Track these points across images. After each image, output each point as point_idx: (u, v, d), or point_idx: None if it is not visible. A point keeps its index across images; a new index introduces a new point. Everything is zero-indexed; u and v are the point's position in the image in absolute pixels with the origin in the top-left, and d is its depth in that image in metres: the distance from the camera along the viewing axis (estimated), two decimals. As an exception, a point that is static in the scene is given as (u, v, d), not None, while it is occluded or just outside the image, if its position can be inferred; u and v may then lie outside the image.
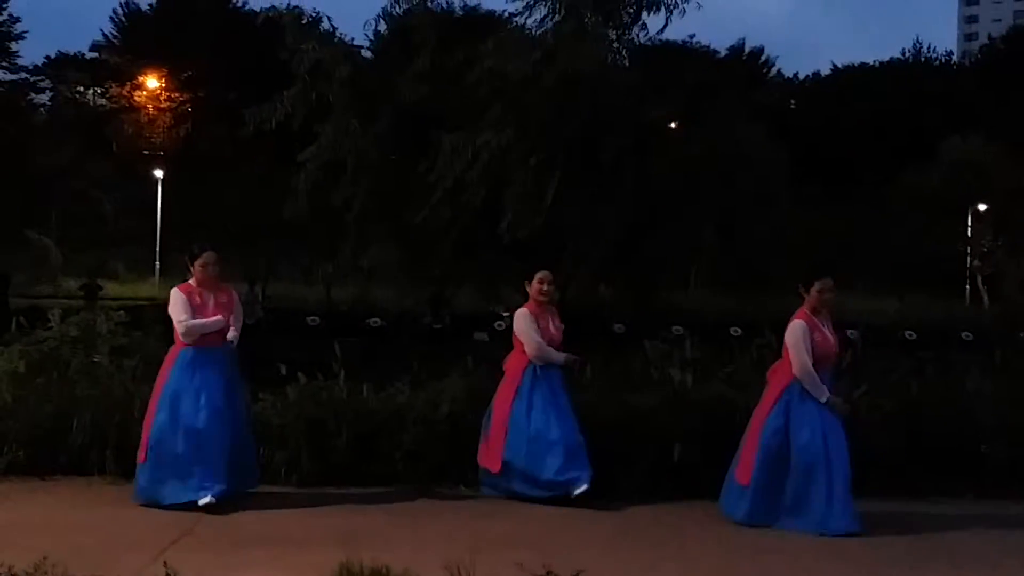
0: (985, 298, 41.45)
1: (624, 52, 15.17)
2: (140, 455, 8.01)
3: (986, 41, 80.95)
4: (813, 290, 8.02)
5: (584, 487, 8.11)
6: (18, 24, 65.80)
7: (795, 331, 7.86)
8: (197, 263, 8.35)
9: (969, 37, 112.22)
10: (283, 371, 9.47)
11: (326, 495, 8.40)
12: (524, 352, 8.54)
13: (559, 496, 8.18)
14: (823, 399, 7.72)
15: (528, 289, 8.75)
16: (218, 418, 7.98)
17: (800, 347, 7.78)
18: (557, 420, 8.36)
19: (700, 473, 8.43)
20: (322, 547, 6.64)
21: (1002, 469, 8.87)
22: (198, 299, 8.26)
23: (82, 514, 7.76)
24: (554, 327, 8.62)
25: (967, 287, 44.90)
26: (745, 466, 7.85)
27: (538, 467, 8.27)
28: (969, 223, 45.05)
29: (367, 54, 17.34)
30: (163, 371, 8.20)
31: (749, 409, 8.90)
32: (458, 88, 13.67)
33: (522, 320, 8.59)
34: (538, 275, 8.68)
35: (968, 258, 43.89)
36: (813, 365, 7.75)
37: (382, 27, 17.64)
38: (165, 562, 5.96)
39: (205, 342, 8.17)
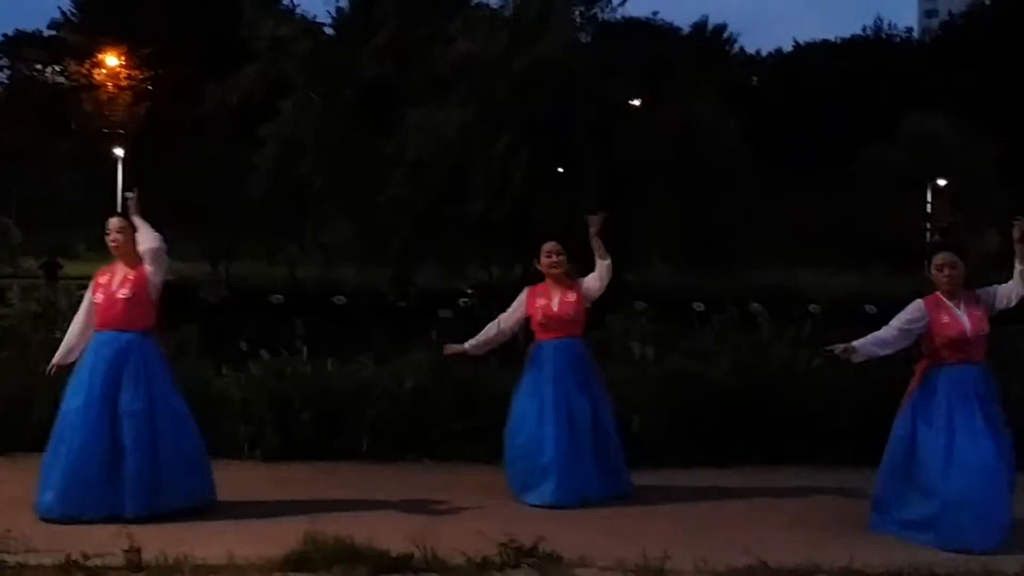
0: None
1: (588, 29, 15.26)
2: None
3: (946, 18, 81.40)
4: (932, 268, 7.08)
5: None
6: (-27, 2, 65.11)
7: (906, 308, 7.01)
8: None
9: (929, 14, 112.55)
10: (244, 347, 9.49)
11: (291, 469, 8.46)
12: None
13: None
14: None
15: (539, 267, 8.12)
16: None
17: (894, 321, 6.99)
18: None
19: (659, 443, 8.55)
20: (287, 519, 6.70)
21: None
22: (106, 276, 7.26)
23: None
24: (559, 303, 7.92)
25: (926, 263, 45.27)
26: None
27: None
28: (929, 199, 45.42)
29: (329, 31, 17.29)
30: None
31: (708, 380, 9.07)
32: (421, 65, 13.70)
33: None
34: (544, 248, 8.03)
35: (928, 234, 44.28)
36: (940, 350, 6.82)
37: (343, 2, 17.61)
38: (129, 533, 6.05)
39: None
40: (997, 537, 6.42)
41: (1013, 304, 6.95)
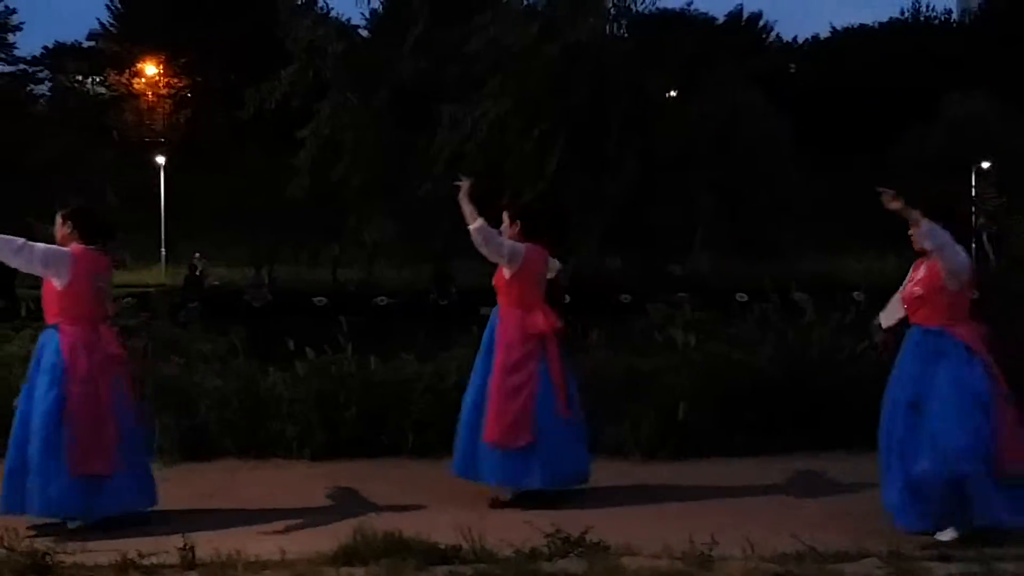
0: (991, 256, 41.42)
1: (623, 21, 15.23)
2: None
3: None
4: None
5: None
6: (14, 16, 65.89)
7: None
8: None
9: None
10: (291, 346, 9.59)
11: (338, 466, 8.51)
12: None
13: None
14: None
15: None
16: None
17: None
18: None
19: (703, 430, 8.56)
20: (336, 515, 6.78)
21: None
22: None
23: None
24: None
25: (973, 246, 44.84)
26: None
27: None
28: (973, 182, 44.97)
29: (363, 33, 17.39)
30: None
31: (751, 368, 9.05)
32: (455, 61, 13.75)
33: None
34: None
35: (973, 218, 43.82)
36: None
37: (376, 4, 17.72)
38: (183, 534, 6.14)
39: None
40: None
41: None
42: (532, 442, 7.24)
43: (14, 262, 6.91)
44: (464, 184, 7.56)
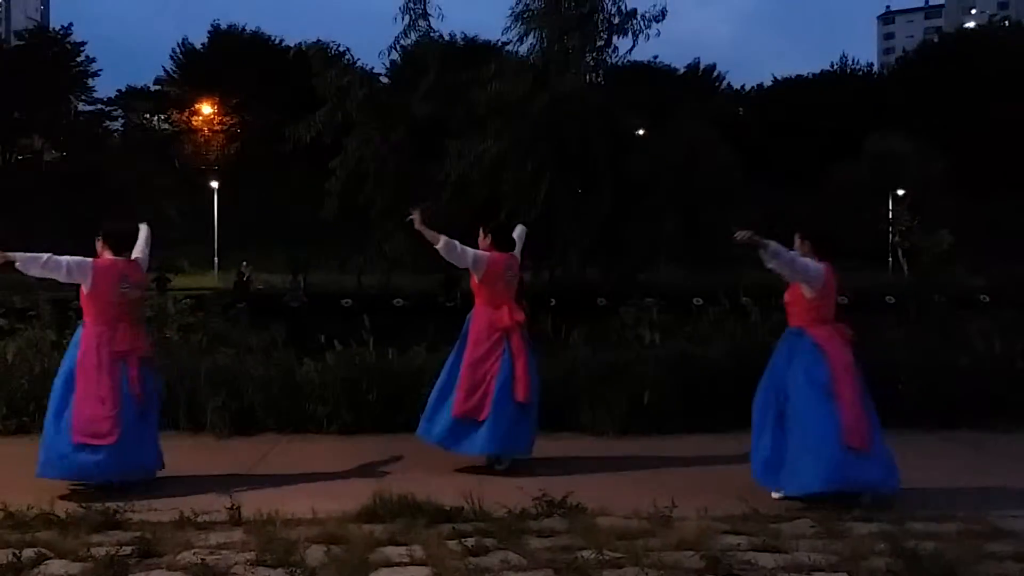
0: (905, 268, 41.53)
1: (600, 72, 15.25)
2: None
3: (901, 54, 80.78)
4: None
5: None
6: (93, 63, 65.92)
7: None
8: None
9: (887, 51, 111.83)
10: (323, 340, 9.58)
11: (361, 440, 8.52)
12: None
13: None
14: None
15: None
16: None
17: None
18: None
19: (666, 412, 8.56)
20: (359, 481, 6.78)
21: (916, 405, 8.94)
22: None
23: (165, 459, 7.90)
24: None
25: (889, 260, 44.97)
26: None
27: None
28: (890, 206, 45.12)
29: (384, 80, 17.43)
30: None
31: (706, 360, 9.04)
32: (462, 104, 13.78)
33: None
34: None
35: (890, 235, 43.94)
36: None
37: (395, 56, 17.76)
38: (231, 494, 6.14)
39: None
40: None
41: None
42: (487, 418, 7.22)
43: (41, 274, 6.91)
44: (416, 216, 7.61)
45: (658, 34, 14.86)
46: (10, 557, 5.03)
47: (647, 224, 14.99)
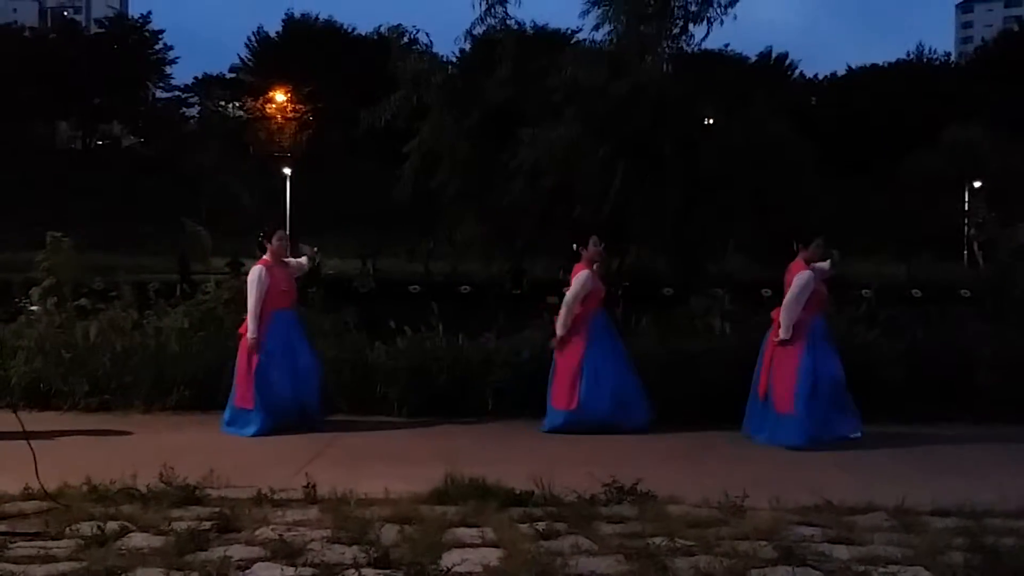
0: (980, 261, 40.54)
1: (671, 61, 15.05)
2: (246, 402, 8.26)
3: (980, 43, 78.72)
4: (812, 247, 8.22)
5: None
6: (171, 51, 67.18)
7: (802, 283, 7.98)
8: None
9: (965, 40, 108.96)
10: (392, 325, 9.67)
11: (431, 423, 8.60)
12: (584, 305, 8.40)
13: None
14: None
15: (585, 252, 8.54)
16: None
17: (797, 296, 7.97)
18: (618, 366, 8.40)
19: (735, 404, 8.48)
20: (430, 463, 6.80)
21: (995, 397, 8.77)
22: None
23: (237, 439, 8.06)
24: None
25: (965, 253, 43.96)
26: (785, 396, 7.86)
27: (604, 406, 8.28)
28: (966, 199, 44.06)
29: (459, 65, 17.42)
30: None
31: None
32: (536, 91, 13.72)
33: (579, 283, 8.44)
34: (594, 239, 8.60)
35: (966, 228, 42.95)
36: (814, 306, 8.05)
37: (468, 44, 17.72)
38: (306, 473, 6.22)
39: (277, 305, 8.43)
40: None
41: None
42: None
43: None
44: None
45: (734, 18, 14.61)
46: (95, 529, 5.16)
47: (718, 217, 14.78)
